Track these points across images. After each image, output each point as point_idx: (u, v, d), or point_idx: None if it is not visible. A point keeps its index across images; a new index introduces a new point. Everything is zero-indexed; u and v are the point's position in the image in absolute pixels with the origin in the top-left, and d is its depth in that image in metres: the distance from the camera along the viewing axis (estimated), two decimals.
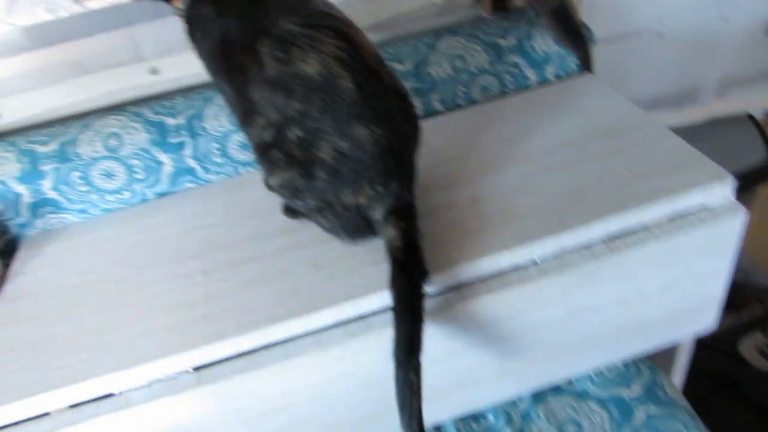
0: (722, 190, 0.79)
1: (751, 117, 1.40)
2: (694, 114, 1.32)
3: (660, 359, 1.00)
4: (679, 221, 0.77)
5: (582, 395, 0.86)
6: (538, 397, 0.87)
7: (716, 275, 0.84)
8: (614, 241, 0.76)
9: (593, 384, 0.87)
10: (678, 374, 1.08)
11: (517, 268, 0.74)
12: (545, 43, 1.03)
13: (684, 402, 0.87)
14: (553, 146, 0.88)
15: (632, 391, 0.86)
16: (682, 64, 1.34)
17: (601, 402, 0.85)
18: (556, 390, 0.88)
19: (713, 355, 1.54)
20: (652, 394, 0.85)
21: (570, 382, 0.89)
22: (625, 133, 0.89)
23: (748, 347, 1.54)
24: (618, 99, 0.98)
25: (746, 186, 1.37)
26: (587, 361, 0.83)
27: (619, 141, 0.87)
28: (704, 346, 1.58)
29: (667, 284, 0.81)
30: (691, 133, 1.36)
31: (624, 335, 0.83)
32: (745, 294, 1.83)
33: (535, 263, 0.74)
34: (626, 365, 0.90)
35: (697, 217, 0.78)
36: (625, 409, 0.84)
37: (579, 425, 0.82)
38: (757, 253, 1.74)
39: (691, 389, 1.45)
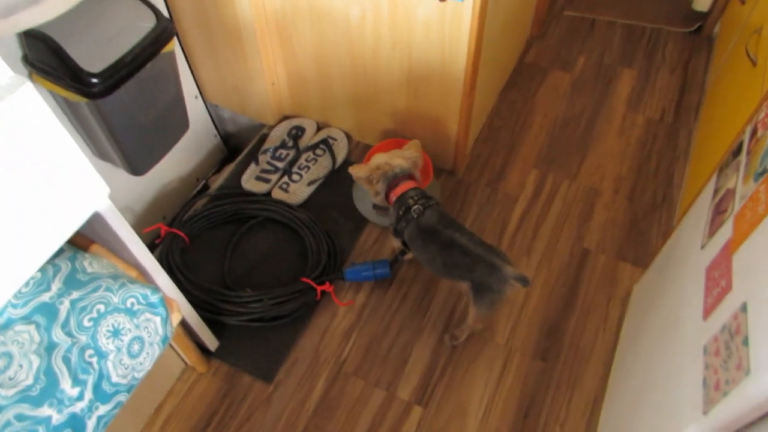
0: None
1: None
2: None
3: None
4: None
5: (6, 324, 0.78)
6: None
7: (59, 145, 0.79)
8: None
9: (14, 307, 0.80)
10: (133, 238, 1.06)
11: None
12: None
13: (112, 270, 0.86)
14: None
15: (53, 290, 0.81)
16: None
17: (26, 319, 0.78)
18: None
19: (222, 203, 1.63)
20: (72, 282, 0.82)
21: None
22: None
23: (247, 180, 1.68)
24: None
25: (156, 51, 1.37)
26: None
27: None
28: (218, 197, 1.66)
29: (16, 175, 0.74)
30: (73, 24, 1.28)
31: (10, 251, 0.75)
32: (240, 140, 1.97)
33: None
34: (43, 269, 0.84)
35: None
36: (49, 311, 0.79)
37: (9, 355, 0.75)
38: (236, 103, 1.84)
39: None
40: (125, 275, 0.86)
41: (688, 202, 1.32)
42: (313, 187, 1.67)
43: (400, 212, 1.31)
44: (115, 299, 0.80)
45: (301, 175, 1.68)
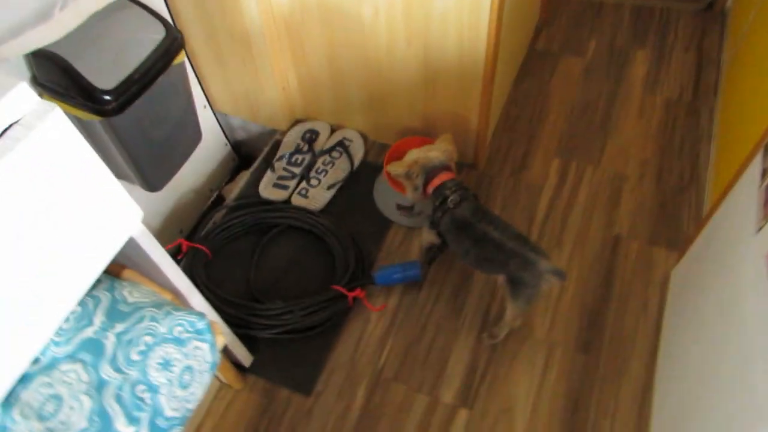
0: (23, 96, 0.67)
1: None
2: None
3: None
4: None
5: (51, 365, 0.73)
6: (8, 400, 0.71)
7: (92, 171, 0.75)
8: None
9: (56, 345, 0.75)
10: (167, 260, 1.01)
11: None
12: None
13: (153, 297, 0.81)
14: None
15: (96, 324, 0.76)
16: None
17: (71, 357, 0.73)
18: (24, 378, 0.73)
19: (241, 213, 1.58)
20: (114, 313, 0.77)
21: (37, 360, 0.74)
22: None
23: (265, 188, 1.63)
24: None
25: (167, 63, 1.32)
26: (34, 335, 0.69)
27: None
28: (236, 207, 1.61)
29: (52, 207, 0.69)
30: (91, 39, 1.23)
31: (50, 285, 0.71)
32: (251, 147, 1.92)
33: None
34: (83, 302, 0.79)
35: (13, 137, 0.65)
36: (94, 347, 0.74)
37: (58, 397, 0.70)
38: (246, 110, 1.79)
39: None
40: (167, 302, 0.82)
41: (725, 183, 1.28)
42: (332, 191, 1.62)
43: (437, 203, 1.28)
44: (162, 329, 0.76)
45: (319, 180, 1.63)
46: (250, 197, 1.63)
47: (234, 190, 1.70)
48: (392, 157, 1.56)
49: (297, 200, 1.60)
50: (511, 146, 1.71)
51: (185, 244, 1.49)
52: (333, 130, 1.75)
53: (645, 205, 1.55)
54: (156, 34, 1.29)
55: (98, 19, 1.22)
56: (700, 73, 1.84)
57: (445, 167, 1.33)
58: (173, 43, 1.30)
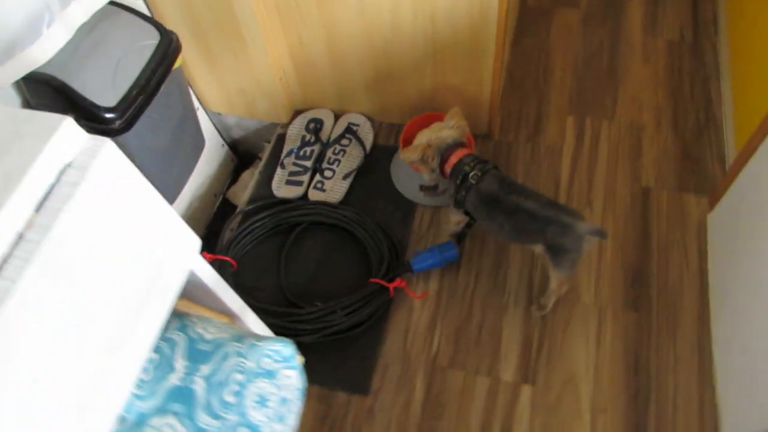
0: (71, 134, 0.58)
1: (118, 5, 1.20)
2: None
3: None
4: (55, 200, 0.56)
5: (140, 421, 0.66)
6: None
7: (151, 204, 0.67)
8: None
9: (141, 399, 0.68)
10: (222, 285, 0.95)
11: None
12: None
13: (231, 330, 0.75)
14: None
15: (178, 370, 0.70)
16: None
17: (161, 410, 0.67)
18: None
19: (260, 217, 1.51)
20: (195, 354, 0.71)
21: (123, 419, 0.68)
22: None
23: (278, 187, 1.56)
24: None
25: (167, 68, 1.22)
26: (114, 390, 0.63)
27: None
28: (253, 211, 1.54)
29: (118, 250, 0.62)
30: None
31: (122, 334, 0.64)
32: (249, 145, 1.83)
33: None
34: (158, 348, 0.72)
35: (70, 182, 0.57)
36: (183, 395, 0.68)
37: None
38: (242, 107, 1.69)
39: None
40: (247, 333, 0.75)
41: (752, 121, 1.26)
42: (349, 180, 1.55)
43: (458, 181, 1.23)
44: (251, 364, 0.70)
45: (333, 170, 1.56)
46: (265, 198, 1.55)
47: (244, 193, 1.61)
48: (407, 137, 1.50)
49: (314, 195, 1.53)
50: (522, 110, 1.67)
51: (208, 257, 1.41)
52: (337, 117, 1.67)
53: (667, 153, 1.54)
54: (150, 39, 1.18)
55: (87, 31, 1.11)
56: (697, 10, 1.81)
57: (459, 144, 1.28)
58: (170, 45, 1.20)
